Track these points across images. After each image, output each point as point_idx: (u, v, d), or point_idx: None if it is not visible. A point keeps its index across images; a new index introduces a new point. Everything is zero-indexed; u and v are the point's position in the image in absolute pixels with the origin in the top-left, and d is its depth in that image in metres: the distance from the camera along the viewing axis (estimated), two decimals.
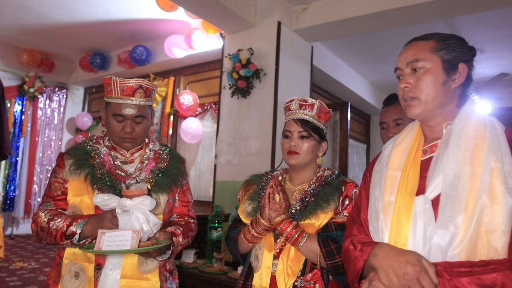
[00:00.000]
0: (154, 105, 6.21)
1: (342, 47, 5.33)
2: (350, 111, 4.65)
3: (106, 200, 1.44)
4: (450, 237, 0.93)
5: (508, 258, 0.89)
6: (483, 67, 5.92)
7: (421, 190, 1.04)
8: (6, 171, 6.92)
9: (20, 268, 4.88)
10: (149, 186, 1.57)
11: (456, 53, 1.09)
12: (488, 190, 0.93)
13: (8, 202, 6.86)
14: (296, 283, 1.42)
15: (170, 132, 6.07)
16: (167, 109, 6.11)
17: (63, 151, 1.67)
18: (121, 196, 1.46)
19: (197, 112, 5.65)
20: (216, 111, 4.63)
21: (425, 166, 1.07)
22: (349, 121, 4.62)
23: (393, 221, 1.04)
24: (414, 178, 1.06)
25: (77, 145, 1.66)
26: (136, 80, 1.57)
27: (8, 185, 6.89)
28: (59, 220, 1.48)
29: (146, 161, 1.65)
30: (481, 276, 0.86)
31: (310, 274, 1.39)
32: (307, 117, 1.57)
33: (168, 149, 1.75)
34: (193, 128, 5.43)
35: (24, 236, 6.93)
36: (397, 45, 5.40)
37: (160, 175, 1.63)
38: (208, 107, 5.57)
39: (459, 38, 1.12)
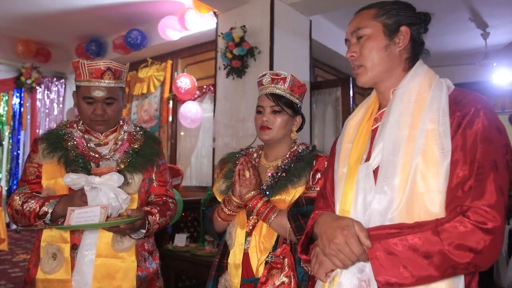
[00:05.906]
0: (153, 90, 6.12)
1: (345, 18, 5.08)
2: (353, 87, 4.41)
3: (75, 180, 1.48)
4: (387, 201, 0.95)
5: (439, 219, 0.89)
6: (501, 33, 5.66)
7: (369, 158, 1.05)
8: (8, 165, 6.90)
9: (23, 260, 4.92)
10: (122, 166, 1.60)
11: (398, 16, 1.08)
12: (422, 152, 0.93)
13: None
14: (267, 258, 1.43)
15: (170, 118, 5.96)
16: (166, 94, 6.00)
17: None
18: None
19: (195, 96, 5.53)
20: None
21: (375, 134, 1.09)
22: (351, 97, 4.40)
23: (343, 190, 1.07)
24: (362, 147, 1.09)
25: (51, 130, 1.70)
26: (104, 62, 1.59)
27: (11, 179, 6.89)
28: (33, 201, 1.52)
29: (120, 143, 1.68)
30: (407, 236, 0.87)
31: (279, 249, 1.41)
32: (279, 91, 1.55)
33: (142, 131, 1.78)
34: (191, 112, 5.32)
35: (30, 230, 6.97)
36: None
37: (134, 155, 1.65)
38: (207, 90, 5.44)
39: (404, 3, 1.12)
